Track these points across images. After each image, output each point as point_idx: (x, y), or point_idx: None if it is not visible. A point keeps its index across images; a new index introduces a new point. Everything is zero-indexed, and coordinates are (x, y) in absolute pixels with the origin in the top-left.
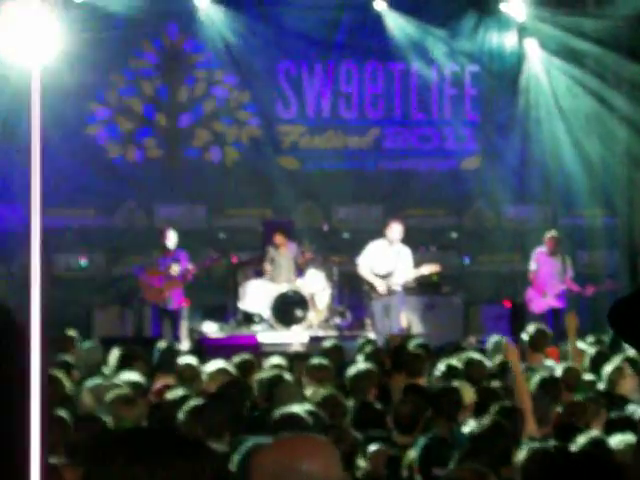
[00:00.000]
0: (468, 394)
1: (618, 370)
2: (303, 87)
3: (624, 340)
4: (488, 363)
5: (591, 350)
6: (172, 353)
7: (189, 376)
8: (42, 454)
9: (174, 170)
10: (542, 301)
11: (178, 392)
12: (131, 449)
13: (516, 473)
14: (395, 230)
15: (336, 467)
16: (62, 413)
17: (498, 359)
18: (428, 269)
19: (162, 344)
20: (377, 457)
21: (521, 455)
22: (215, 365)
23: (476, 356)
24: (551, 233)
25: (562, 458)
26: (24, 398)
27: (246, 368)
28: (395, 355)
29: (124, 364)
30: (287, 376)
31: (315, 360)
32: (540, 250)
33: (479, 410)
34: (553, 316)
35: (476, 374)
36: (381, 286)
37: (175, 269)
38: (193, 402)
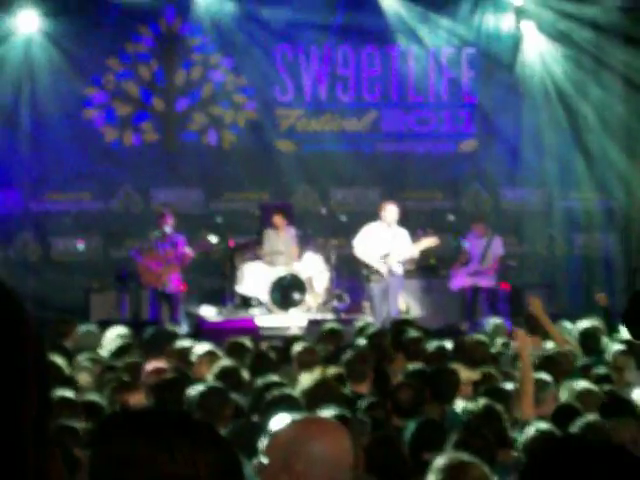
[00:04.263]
0: (463, 375)
1: (627, 358)
2: (300, 70)
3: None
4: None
5: (575, 331)
6: (164, 336)
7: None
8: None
9: (171, 154)
10: (459, 278)
11: (174, 375)
12: (136, 430)
13: (519, 453)
14: (390, 212)
15: (347, 450)
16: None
17: (498, 342)
18: (427, 242)
19: (154, 327)
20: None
21: (527, 435)
22: (204, 348)
23: (478, 338)
24: (481, 219)
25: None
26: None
27: (238, 351)
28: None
29: (121, 347)
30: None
31: (302, 345)
32: (472, 232)
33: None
34: (472, 293)
35: (477, 357)
36: (382, 267)
37: (171, 253)
38: (192, 389)
